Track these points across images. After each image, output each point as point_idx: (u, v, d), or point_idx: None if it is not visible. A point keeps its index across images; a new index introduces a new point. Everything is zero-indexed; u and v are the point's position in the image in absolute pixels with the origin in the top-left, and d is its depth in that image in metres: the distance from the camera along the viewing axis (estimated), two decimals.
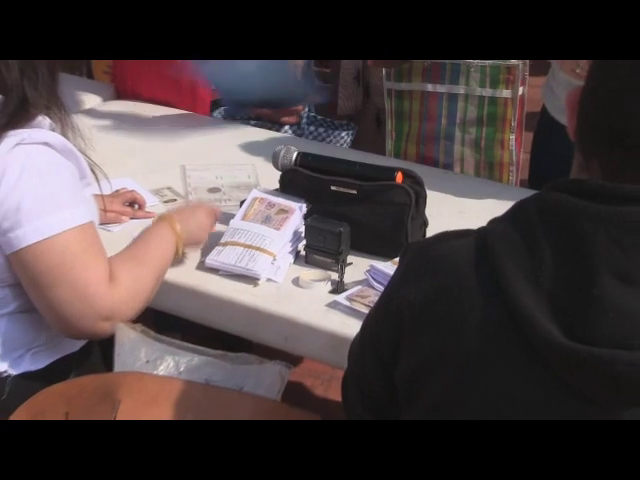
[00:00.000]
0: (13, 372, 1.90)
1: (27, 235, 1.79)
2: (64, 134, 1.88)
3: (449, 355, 1.31)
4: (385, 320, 1.42)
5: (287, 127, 3.05)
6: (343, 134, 3.02)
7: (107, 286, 1.85)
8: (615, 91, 1.24)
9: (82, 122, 1.99)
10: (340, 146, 3.01)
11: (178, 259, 2.05)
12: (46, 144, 1.83)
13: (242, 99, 2.98)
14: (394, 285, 1.43)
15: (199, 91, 3.05)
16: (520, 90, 2.62)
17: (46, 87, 1.88)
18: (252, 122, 3.11)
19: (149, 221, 2.16)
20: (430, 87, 2.67)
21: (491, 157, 2.68)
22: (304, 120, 3.07)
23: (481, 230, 1.33)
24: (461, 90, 2.65)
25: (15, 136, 1.78)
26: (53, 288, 1.83)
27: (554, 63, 2.73)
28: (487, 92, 2.63)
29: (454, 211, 2.35)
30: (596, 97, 1.28)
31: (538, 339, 1.21)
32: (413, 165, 2.52)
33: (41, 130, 1.84)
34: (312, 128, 3.04)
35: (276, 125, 3.10)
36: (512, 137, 2.65)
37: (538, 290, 1.23)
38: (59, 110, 1.91)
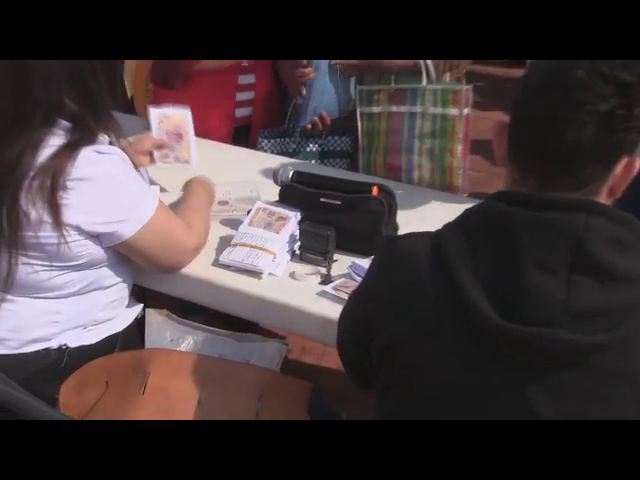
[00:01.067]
0: (71, 345, 1.97)
1: (131, 226, 1.92)
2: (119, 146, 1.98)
3: (410, 336, 1.41)
4: (361, 306, 1.53)
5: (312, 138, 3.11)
6: (346, 138, 3.12)
7: (189, 235, 2.10)
8: (545, 120, 1.35)
9: None
10: (347, 146, 3.11)
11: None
12: (116, 155, 1.93)
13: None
14: (369, 278, 1.54)
15: (219, 123, 3.09)
16: (465, 110, 2.71)
17: (104, 114, 1.96)
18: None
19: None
20: (394, 108, 2.76)
21: (443, 163, 2.76)
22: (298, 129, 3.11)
23: (436, 232, 1.42)
24: (418, 109, 2.74)
25: (88, 150, 1.86)
26: (162, 255, 2.04)
27: None
28: (438, 111, 2.72)
29: (418, 218, 2.40)
30: (529, 125, 1.39)
31: (480, 320, 1.30)
32: (387, 181, 2.59)
33: (105, 145, 1.92)
34: (330, 137, 3.11)
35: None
36: (459, 147, 2.74)
37: (479, 281, 1.32)
38: (115, 130, 1.99)
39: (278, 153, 3.02)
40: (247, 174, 2.41)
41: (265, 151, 3.03)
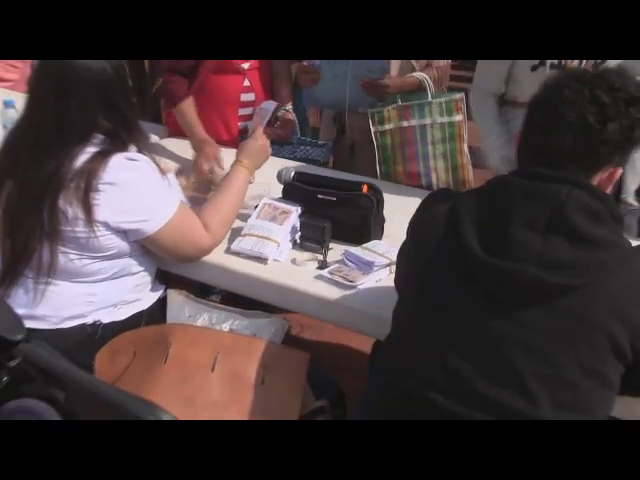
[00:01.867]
0: (104, 321, 2.01)
1: (153, 225, 1.97)
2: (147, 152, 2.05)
3: (425, 262, 1.56)
4: (408, 237, 1.68)
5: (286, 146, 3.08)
6: (324, 149, 3.10)
7: (205, 235, 2.11)
8: (537, 128, 1.51)
9: None
10: (322, 157, 3.10)
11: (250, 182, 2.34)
12: (143, 162, 1.98)
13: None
14: (412, 220, 1.69)
15: (226, 132, 3.11)
16: (466, 114, 2.76)
17: (135, 129, 2.02)
18: None
19: None
20: (405, 123, 2.77)
21: (455, 162, 2.78)
22: (295, 141, 3.10)
23: (457, 194, 1.61)
24: (428, 121, 2.75)
25: (119, 157, 1.93)
26: (179, 250, 2.08)
27: None
28: (445, 119, 2.74)
29: (404, 212, 2.28)
30: (528, 132, 1.54)
31: (469, 255, 1.45)
32: (400, 186, 2.70)
33: (134, 153, 1.98)
34: (302, 147, 3.08)
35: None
36: (466, 146, 2.77)
37: (476, 229, 1.46)
38: (144, 141, 2.06)
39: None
40: (257, 175, 2.45)
41: None
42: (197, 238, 2.09)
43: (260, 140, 2.38)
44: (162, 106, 3.73)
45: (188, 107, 2.95)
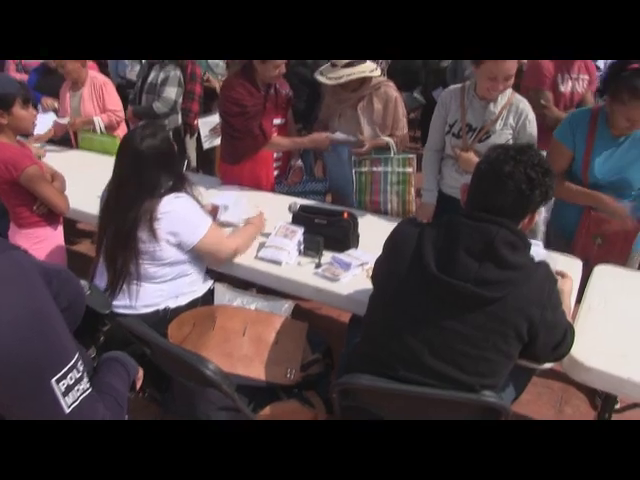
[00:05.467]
0: (170, 307, 2.07)
1: (197, 235, 2.03)
2: (192, 193, 2.10)
3: (394, 272, 1.54)
4: (383, 251, 1.65)
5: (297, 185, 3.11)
6: (323, 183, 3.12)
7: (232, 240, 2.18)
8: (486, 191, 1.51)
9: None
10: (322, 189, 3.11)
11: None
12: (184, 197, 2.03)
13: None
14: (391, 237, 1.65)
15: (268, 179, 3.08)
16: (415, 168, 2.81)
17: (184, 180, 2.09)
18: None
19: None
20: (375, 168, 2.83)
21: (404, 198, 2.81)
22: (304, 180, 3.11)
23: (423, 224, 1.60)
24: (389, 169, 2.82)
25: (170, 196, 1.99)
26: (217, 252, 2.12)
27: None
28: (401, 170, 2.80)
29: (371, 229, 2.43)
30: (477, 192, 1.54)
31: (428, 273, 1.47)
32: (361, 212, 2.71)
33: (181, 192, 2.04)
34: (309, 183, 3.10)
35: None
36: (412, 189, 2.81)
37: (434, 253, 1.49)
38: (189, 185, 2.10)
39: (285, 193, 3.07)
40: (279, 206, 2.55)
41: (282, 193, 3.05)
42: (228, 243, 2.16)
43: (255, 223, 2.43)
44: (217, 164, 3.72)
45: (274, 139, 2.97)
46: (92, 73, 3.83)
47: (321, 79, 2.81)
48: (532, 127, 2.44)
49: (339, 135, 2.86)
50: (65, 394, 0.85)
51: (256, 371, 1.82)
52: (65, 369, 0.85)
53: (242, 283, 2.27)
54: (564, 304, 1.76)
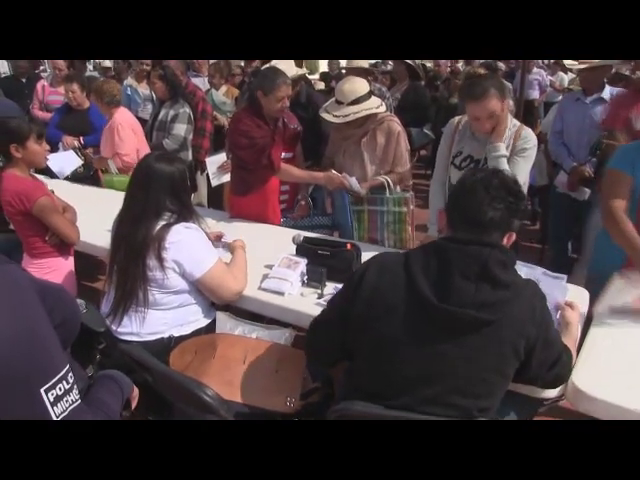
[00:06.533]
0: (175, 335, 2.07)
1: (202, 269, 2.04)
2: (198, 225, 2.12)
3: (385, 309, 1.49)
4: (351, 292, 1.57)
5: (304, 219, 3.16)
6: (329, 217, 3.16)
7: (234, 282, 2.14)
8: (473, 206, 1.50)
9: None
10: (328, 222, 3.15)
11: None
12: (194, 229, 2.06)
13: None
14: (361, 273, 1.57)
15: (275, 213, 3.13)
16: (411, 207, 2.86)
17: (191, 210, 2.11)
18: None
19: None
20: (372, 208, 2.90)
21: (401, 235, 2.87)
22: (311, 214, 3.17)
23: (407, 252, 1.58)
24: (385, 208, 2.88)
25: (178, 226, 2.02)
26: (217, 289, 2.10)
27: None
28: (397, 209, 2.86)
29: None
30: (462, 209, 1.53)
31: (425, 303, 1.45)
32: (363, 244, 2.71)
33: (189, 223, 2.07)
34: (316, 217, 3.15)
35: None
36: (409, 227, 2.86)
37: (427, 281, 1.47)
38: (196, 217, 2.12)
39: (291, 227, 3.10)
40: (284, 238, 2.56)
41: (288, 227, 3.09)
42: (231, 285, 2.14)
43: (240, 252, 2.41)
44: (225, 198, 3.80)
45: (286, 167, 3.02)
46: (120, 111, 3.92)
47: (327, 117, 2.85)
48: (524, 161, 2.45)
49: (353, 182, 2.88)
50: (54, 404, 0.87)
51: (256, 399, 1.81)
52: (54, 380, 0.87)
53: (250, 315, 2.26)
54: (571, 335, 1.78)
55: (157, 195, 2.03)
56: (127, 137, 3.87)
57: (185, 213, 2.09)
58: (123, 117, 3.94)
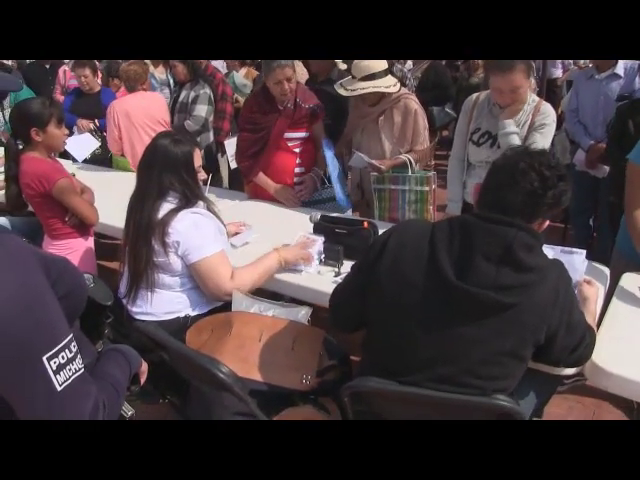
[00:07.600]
0: (191, 314, 2.08)
1: (197, 255, 2.01)
2: (209, 210, 2.13)
3: (406, 279, 1.48)
4: (372, 261, 1.56)
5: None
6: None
7: (228, 281, 2.04)
8: (498, 187, 1.48)
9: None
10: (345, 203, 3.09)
11: (282, 268, 2.20)
12: (201, 214, 2.06)
13: None
14: (386, 237, 1.55)
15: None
16: (433, 187, 2.83)
17: (196, 192, 2.10)
18: None
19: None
20: (393, 186, 2.88)
21: (422, 215, 2.86)
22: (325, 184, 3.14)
23: (434, 223, 1.55)
24: (407, 187, 2.86)
25: (185, 211, 2.02)
26: (207, 280, 2.03)
27: None
28: (418, 188, 2.83)
29: None
30: (489, 188, 1.52)
31: (444, 279, 1.43)
32: (380, 222, 2.69)
33: (199, 209, 2.08)
34: (325, 190, 3.09)
35: None
36: (430, 207, 2.84)
37: (449, 258, 1.45)
38: (205, 200, 2.14)
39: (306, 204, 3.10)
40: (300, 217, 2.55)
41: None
42: (220, 282, 2.04)
43: (305, 255, 2.27)
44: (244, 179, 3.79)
45: (260, 177, 3.05)
46: (120, 99, 3.92)
47: (339, 91, 2.84)
48: (542, 137, 2.42)
49: (356, 160, 2.87)
50: (56, 372, 0.87)
51: (271, 376, 1.81)
52: (57, 348, 0.87)
53: (269, 293, 2.25)
54: (589, 311, 1.74)
55: (160, 174, 2.03)
56: (111, 132, 3.87)
57: (190, 196, 2.08)
58: (127, 102, 3.89)
